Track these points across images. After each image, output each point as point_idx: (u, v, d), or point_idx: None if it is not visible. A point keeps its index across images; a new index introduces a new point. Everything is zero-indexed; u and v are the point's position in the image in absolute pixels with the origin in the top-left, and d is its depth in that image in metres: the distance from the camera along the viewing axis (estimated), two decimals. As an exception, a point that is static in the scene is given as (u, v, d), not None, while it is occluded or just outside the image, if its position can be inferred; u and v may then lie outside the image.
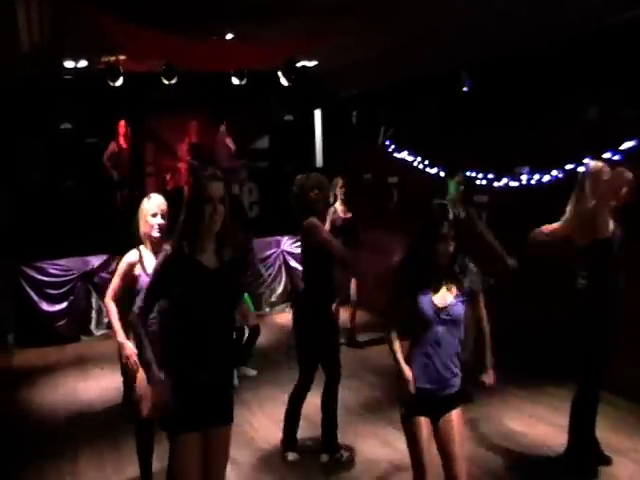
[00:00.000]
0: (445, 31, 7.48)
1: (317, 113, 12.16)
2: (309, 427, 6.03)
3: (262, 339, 9.02)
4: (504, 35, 7.30)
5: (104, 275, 9.63)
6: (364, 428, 5.99)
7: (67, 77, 9.64)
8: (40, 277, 9.59)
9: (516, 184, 7.27)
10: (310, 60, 9.77)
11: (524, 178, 7.19)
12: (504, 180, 7.41)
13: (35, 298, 9.52)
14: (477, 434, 5.74)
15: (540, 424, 5.87)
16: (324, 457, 5.36)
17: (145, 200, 4.65)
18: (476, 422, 5.90)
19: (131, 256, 4.58)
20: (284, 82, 9.02)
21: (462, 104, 8.32)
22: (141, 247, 4.63)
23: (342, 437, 5.50)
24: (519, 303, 7.19)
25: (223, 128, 11.48)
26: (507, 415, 6.08)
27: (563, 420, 5.71)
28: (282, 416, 6.34)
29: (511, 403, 6.36)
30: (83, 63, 9.01)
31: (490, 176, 7.59)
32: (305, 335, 5.31)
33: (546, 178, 6.95)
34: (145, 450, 4.98)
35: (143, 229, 4.61)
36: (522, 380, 6.84)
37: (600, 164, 5.01)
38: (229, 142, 11.47)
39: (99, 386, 7.67)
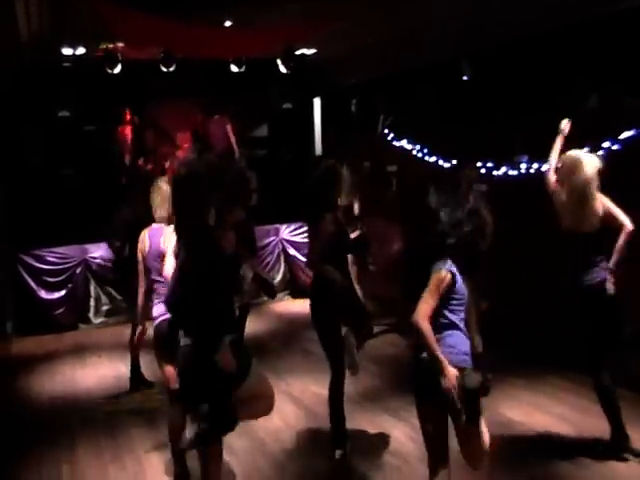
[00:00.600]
0: (444, 19, 7.44)
1: (316, 101, 12.12)
2: (308, 416, 6.06)
3: (260, 327, 9.06)
4: (504, 23, 7.26)
5: (102, 263, 9.65)
6: (362, 416, 5.98)
7: (65, 64, 9.59)
8: (39, 265, 9.58)
9: (515, 173, 7.25)
10: (309, 48, 9.72)
11: (523, 167, 7.18)
12: (503, 169, 7.39)
13: (34, 286, 9.52)
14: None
15: (538, 413, 5.86)
16: (338, 453, 5.20)
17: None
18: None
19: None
20: (283, 70, 8.99)
21: (461, 92, 8.29)
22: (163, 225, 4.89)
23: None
24: (519, 291, 7.20)
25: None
26: (505, 404, 6.06)
27: (563, 409, 5.75)
28: (279, 405, 6.36)
29: (509, 392, 6.34)
30: (81, 50, 8.95)
31: (489, 165, 7.57)
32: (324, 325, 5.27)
33: (545, 167, 6.92)
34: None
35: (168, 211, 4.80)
36: (521, 369, 6.84)
37: (575, 156, 5.02)
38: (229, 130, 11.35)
39: (97, 374, 7.68)
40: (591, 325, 4.96)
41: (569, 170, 5.02)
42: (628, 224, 4.83)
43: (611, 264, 4.88)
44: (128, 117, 11.15)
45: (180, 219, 3.83)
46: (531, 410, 5.91)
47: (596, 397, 5.10)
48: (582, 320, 5.04)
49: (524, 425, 5.65)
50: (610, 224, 4.89)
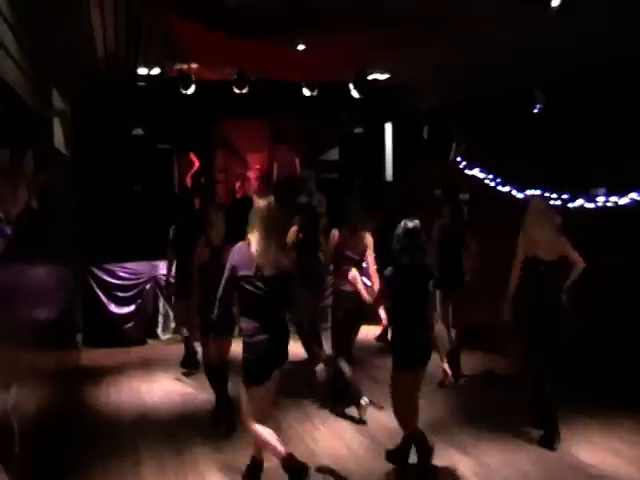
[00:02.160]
0: (519, 45, 7.31)
1: (388, 127, 12.09)
2: (371, 445, 5.96)
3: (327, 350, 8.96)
4: (581, 49, 7.09)
5: (172, 280, 9.75)
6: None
7: (140, 84, 9.85)
8: (109, 279, 9.79)
9: (592, 206, 7.05)
10: (382, 73, 9.72)
11: (601, 200, 6.98)
12: (579, 201, 7.19)
13: (104, 300, 9.73)
14: (544, 463, 5.57)
15: (612, 456, 5.60)
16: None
17: None
18: (542, 451, 5.72)
19: None
20: (355, 94, 8.98)
21: (536, 121, 8.11)
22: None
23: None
24: (588, 326, 6.98)
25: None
26: (578, 446, 5.82)
27: (637, 453, 5.50)
28: (343, 432, 6.27)
29: (582, 434, 6.10)
30: (156, 71, 9.19)
31: (564, 196, 7.38)
32: None
33: (624, 201, 6.74)
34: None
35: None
36: (595, 410, 6.59)
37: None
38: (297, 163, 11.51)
39: (163, 390, 7.77)
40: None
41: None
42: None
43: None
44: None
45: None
46: (604, 453, 5.67)
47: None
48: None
49: (596, 468, 5.42)
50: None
